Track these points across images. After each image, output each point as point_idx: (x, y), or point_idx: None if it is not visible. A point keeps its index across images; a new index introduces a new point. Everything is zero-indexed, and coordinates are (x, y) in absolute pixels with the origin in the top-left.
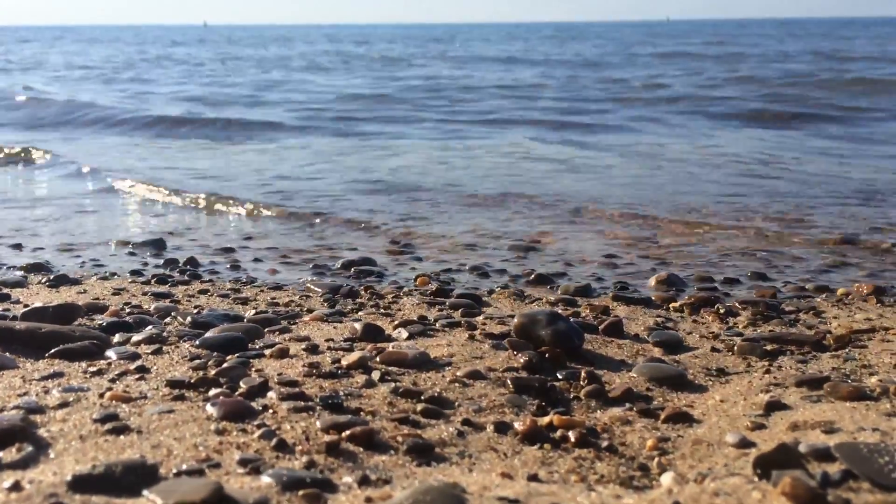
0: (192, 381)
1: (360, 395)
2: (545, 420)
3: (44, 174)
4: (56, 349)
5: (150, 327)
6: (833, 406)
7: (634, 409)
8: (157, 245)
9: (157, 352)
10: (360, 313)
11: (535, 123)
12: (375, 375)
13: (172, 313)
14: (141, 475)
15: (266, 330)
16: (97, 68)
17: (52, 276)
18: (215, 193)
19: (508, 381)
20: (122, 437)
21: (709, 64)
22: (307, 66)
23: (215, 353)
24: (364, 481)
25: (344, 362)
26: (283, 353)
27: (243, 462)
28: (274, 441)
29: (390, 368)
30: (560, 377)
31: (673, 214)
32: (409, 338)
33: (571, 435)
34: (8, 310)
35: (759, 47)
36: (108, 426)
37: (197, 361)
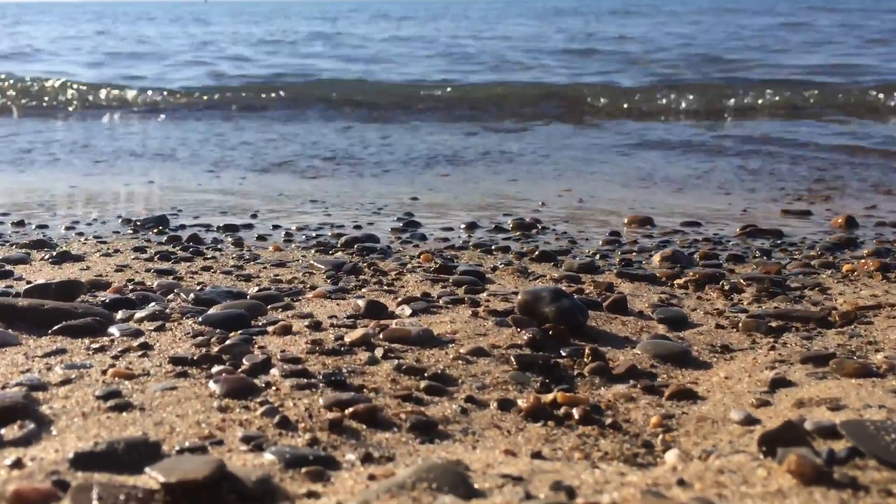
0: (195, 358)
1: (363, 373)
2: (549, 397)
3: None
4: (59, 326)
5: (152, 304)
6: (839, 383)
7: (638, 386)
8: (160, 221)
9: (159, 329)
10: (363, 290)
11: None
12: (378, 352)
13: (175, 290)
14: (143, 452)
15: (269, 307)
16: None
17: (54, 253)
18: None
19: (512, 359)
20: (124, 414)
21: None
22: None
23: (218, 330)
24: (367, 459)
25: (347, 339)
26: (285, 330)
27: (246, 439)
28: (277, 418)
29: (393, 345)
30: (564, 354)
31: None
32: (412, 315)
33: (575, 412)
34: (10, 286)
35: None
36: (110, 403)
37: (200, 338)
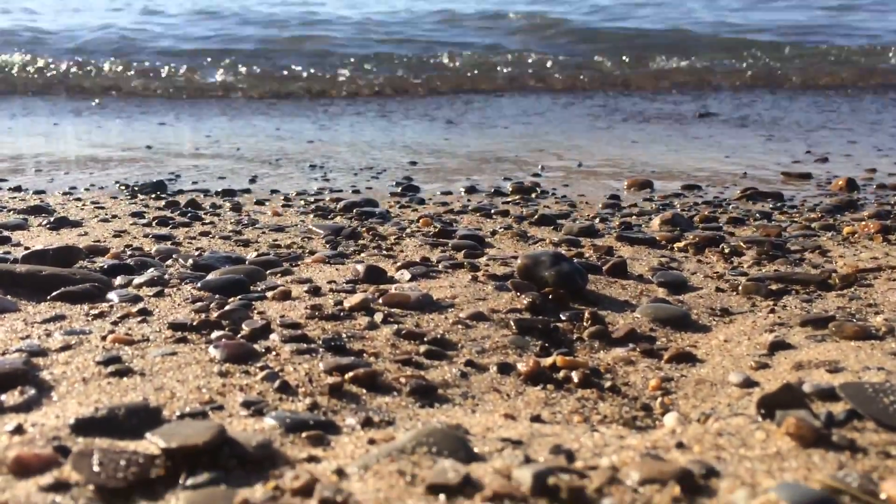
0: (195, 323)
1: (363, 337)
2: (548, 361)
3: None
4: (57, 292)
5: (151, 270)
6: (838, 345)
7: (638, 349)
8: (158, 186)
9: (158, 294)
10: (362, 255)
11: None
12: (378, 317)
13: (174, 255)
14: (144, 418)
15: (268, 272)
16: None
17: (52, 219)
18: None
19: (511, 323)
20: (124, 379)
21: None
22: None
23: (217, 296)
24: (367, 423)
25: (346, 304)
26: (285, 296)
27: (246, 404)
28: (277, 383)
29: (393, 310)
30: (563, 318)
31: None
32: (411, 279)
33: (574, 376)
34: (8, 252)
35: None
36: (110, 369)
37: (199, 304)
